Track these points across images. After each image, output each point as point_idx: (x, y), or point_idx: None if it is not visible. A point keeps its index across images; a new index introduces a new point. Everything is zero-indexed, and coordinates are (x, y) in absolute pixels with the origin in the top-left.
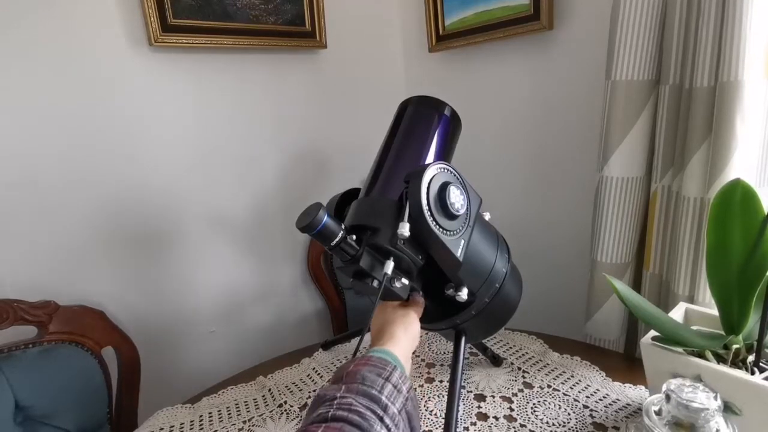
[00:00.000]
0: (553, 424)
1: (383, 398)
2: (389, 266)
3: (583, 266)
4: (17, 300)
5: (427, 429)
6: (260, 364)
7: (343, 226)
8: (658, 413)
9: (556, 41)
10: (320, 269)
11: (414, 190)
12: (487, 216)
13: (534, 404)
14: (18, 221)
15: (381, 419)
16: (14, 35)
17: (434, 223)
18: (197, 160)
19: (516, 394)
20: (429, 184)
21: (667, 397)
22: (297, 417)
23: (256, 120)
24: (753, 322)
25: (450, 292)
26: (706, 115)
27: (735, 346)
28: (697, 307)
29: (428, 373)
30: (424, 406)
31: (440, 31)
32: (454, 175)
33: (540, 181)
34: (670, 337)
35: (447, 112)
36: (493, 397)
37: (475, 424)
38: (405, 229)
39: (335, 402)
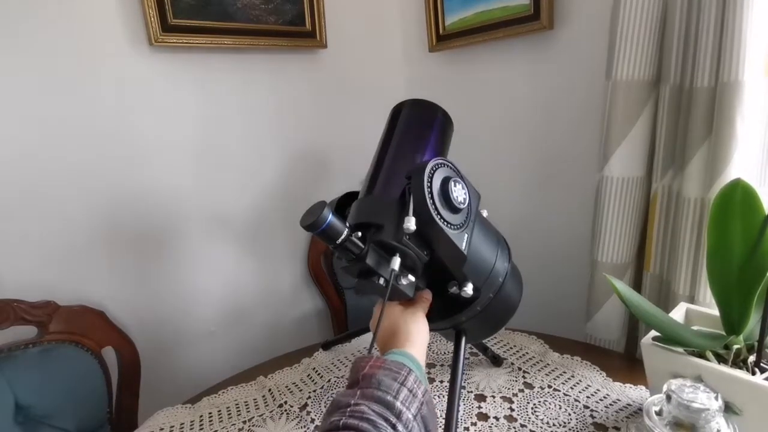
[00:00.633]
0: (554, 425)
1: (398, 404)
2: (396, 262)
3: (584, 266)
4: (17, 300)
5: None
6: (260, 364)
7: (347, 225)
8: (659, 413)
9: (556, 41)
10: (320, 269)
11: (417, 184)
12: (485, 213)
13: (534, 404)
14: (18, 221)
15: (394, 426)
16: (14, 35)
17: (438, 216)
18: (197, 160)
19: (516, 395)
20: (431, 178)
21: (668, 398)
22: (297, 417)
23: (256, 120)
24: (754, 322)
25: (453, 289)
26: (707, 115)
27: (736, 347)
28: (697, 307)
29: (428, 373)
30: None
31: (440, 31)
32: (454, 171)
33: (540, 181)
34: (670, 338)
35: (440, 113)
36: (494, 397)
37: (475, 424)
38: (411, 222)
39: (348, 409)
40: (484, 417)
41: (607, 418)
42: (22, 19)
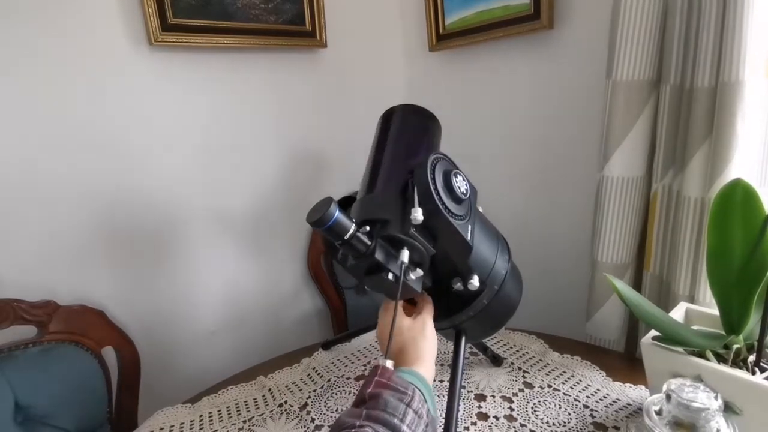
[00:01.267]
0: (554, 424)
1: (404, 427)
2: (405, 255)
3: (584, 266)
4: (17, 300)
5: None
6: (260, 364)
7: (353, 221)
8: (659, 413)
9: (556, 41)
10: (320, 269)
11: (421, 175)
12: (480, 209)
13: (534, 404)
14: (18, 221)
15: None
16: (14, 35)
17: (443, 206)
18: (197, 160)
19: (516, 394)
20: (434, 170)
21: (668, 397)
22: (297, 417)
23: (256, 119)
24: (753, 321)
25: (458, 285)
26: (707, 115)
27: (735, 346)
28: (697, 307)
29: None
30: None
31: (440, 31)
32: (452, 164)
33: (540, 181)
34: (670, 337)
35: (430, 115)
36: (494, 396)
37: (475, 423)
38: (418, 213)
39: (353, 431)
40: (484, 416)
41: (607, 417)
42: (22, 19)
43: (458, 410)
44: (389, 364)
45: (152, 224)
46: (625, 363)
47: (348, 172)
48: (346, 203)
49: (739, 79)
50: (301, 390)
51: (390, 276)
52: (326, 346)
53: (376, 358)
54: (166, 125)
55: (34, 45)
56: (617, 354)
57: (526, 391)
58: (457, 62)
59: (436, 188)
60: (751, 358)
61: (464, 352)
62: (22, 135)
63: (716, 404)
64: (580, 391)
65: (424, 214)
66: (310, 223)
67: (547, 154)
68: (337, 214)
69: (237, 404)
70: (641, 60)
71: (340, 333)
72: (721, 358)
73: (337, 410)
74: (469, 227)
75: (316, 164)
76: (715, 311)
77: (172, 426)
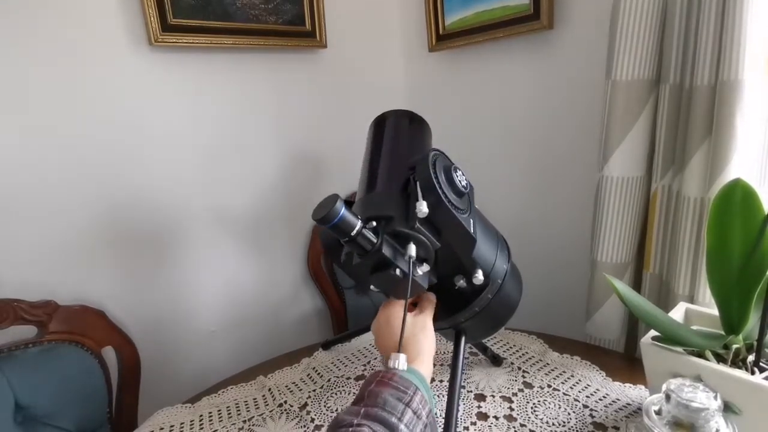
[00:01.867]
0: (553, 424)
1: (401, 427)
2: (412, 249)
3: (583, 266)
4: (17, 299)
5: None
6: (260, 364)
7: (359, 218)
8: (658, 413)
9: (556, 41)
10: (320, 269)
11: (423, 169)
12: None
13: (534, 404)
14: (18, 220)
15: None
16: (13, 34)
17: (446, 198)
18: (197, 160)
19: (516, 394)
20: (435, 165)
21: (667, 397)
22: (297, 416)
23: (256, 119)
24: (753, 321)
25: (461, 283)
26: (707, 115)
27: (735, 346)
28: (697, 307)
29: None
30: None
31: (440, 31)
32: (450, 161)
33: (540, 181)
34: (670, 337)
35: (420, 119)
36: (493, 396)
37: (475, 423)
38: (423, 206)
39: (350, 429)
40: (483, 416)
41: (607, 417)
42: (22, 19)
43: (458, 410)
44: (402, 358)
45: (152, 224)
46: (625, 363)
47: (348, 172)
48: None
49: (738, 77)
50: (300, 390)
51: (398, 272)
52: (326, 346)
53: (376, 359)
54: (166, 125)
55: (34, 45)
56: (617, 354)
57: (526, 391)
58: (456, 62)
59: (438, 181)
60: (751, 358)
61: (464, 352)
62: (22, 135)
63: (716, 404)
64: (579, 391)
65: (428, 207)
66: (316, 221)
67: (546, 154)
68: (344, 210)
69: (237, 404)
70: (641, 60)
71: (340, 333)
72: (720, 358)
73: (336, 410)
74: (472, 221)
75: (316, 164)
76: (714, 311)
77: (172, 426)
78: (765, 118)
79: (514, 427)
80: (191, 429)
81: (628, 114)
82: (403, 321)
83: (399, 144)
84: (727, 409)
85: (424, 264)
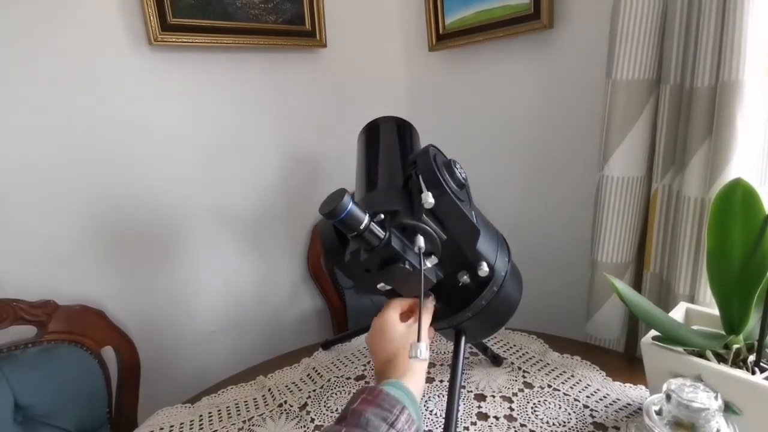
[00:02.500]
0: (554, 424)
1: None
2: (421, 240)
3: (584, 266)
4: (17, 300)
5: (427, 429)
6: (260, 364)
7: (366, 212)
8: (659, 413)
9: (556, 40)
10: (320, 269)
11: (424, 162)
12: None
13: (534, 404)
14: (18, 220)
15: None
16: (13, 34)
17: (449, 189)
18: (197, 160)
19: (516, 394)
20: (435, 157)
21: (668, 397)
22: (297, 417)
23: (256, 119)
24: (753, 321)
25: (464, 278)
26: (707, 115)
27: (735, 346)
28: (697, 307)
29: (428, 372)
30: (424, 405)
31: (440, 31)
32: (445, 157)
33: (540, 181)
34: (670, 337)
35: (409, 124)
36: (493, 396)
37: (475, 423)
38: (429, 196)
39: None
40: (483, 416)
41: (607, 417)
42: (22, 19)
43: (458, 410)
44: (423, 346)
45: (152, 224)
46: (625, 363)
47: (348, 172)
48: None
49: (738, 78)
50: (300, 390)
51: (407, 265)
52: (326, 346)
53: None
54: (166, 125)
55: (34, 45)
56: (617, 354)
57: (526, 391)
58: (456, 62)
59: (441, 173)
60: (751, 358)
61: (464, 352)
62: (22, 135)
63: (716, 404)
64: (580, 391)
65: (433, 197)
66: (323, 215)
67: (546, 154)
68: (351, 205)
69: (237, 404)
70: (641, 60)
71: (340, 333)
72: (721, 358)
73: (336, 410)
74: (473, 212)
75: (316, 164)
76: (715, 311)
77: (172, 426)
78: (765, 119)
79: (514, 427)
80: (191, 429)
81: (629, 114)
82: (419, 316)
83: (394, 145)
84: (728, 409)
85: (432, 257)
